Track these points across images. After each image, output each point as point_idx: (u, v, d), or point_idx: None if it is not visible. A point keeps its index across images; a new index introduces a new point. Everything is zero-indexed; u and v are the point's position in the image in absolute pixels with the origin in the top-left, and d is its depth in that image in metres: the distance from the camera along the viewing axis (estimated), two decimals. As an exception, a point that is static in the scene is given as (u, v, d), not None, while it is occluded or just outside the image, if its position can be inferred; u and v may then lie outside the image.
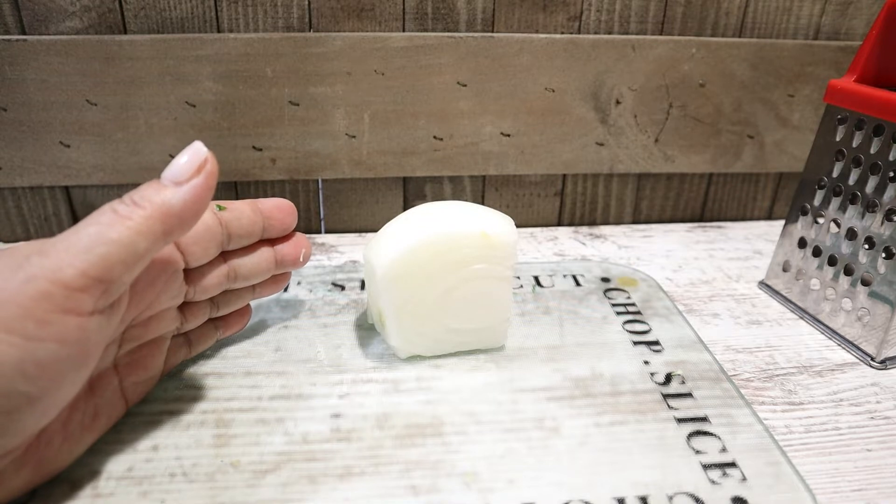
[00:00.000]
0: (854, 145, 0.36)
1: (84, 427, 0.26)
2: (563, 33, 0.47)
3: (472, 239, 0.31)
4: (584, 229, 0.53)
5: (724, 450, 0.28)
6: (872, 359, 0.35)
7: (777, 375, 0.34)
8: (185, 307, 0.30)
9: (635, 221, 0.55)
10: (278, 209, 0.32)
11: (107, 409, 0.27)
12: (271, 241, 0.32)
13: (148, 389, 0.29)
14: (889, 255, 0.34)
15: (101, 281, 0.22)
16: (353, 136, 0.47)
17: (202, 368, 0.33)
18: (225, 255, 0.31)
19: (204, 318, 0.31)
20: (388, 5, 0.45)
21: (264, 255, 0.32)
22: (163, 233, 0.23)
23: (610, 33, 0.47)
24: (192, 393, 0.31)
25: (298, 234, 0.33)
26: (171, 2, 0.42)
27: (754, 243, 0.50)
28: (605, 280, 0.42)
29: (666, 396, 0.32)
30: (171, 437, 0.28)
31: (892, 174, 0.34)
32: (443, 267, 0.31)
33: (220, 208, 0.30)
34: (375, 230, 0.51)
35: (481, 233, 0.31)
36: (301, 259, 0.33)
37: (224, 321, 0.33)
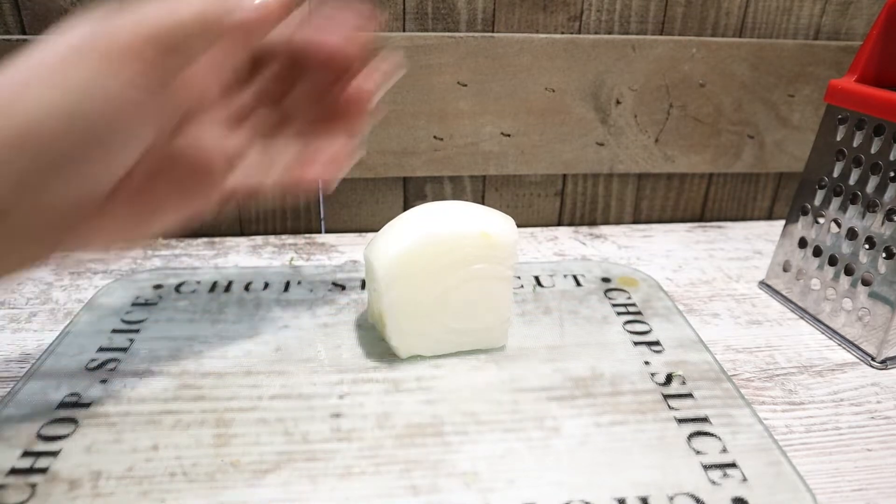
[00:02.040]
0: (854, 145, 0.36)
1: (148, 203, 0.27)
2: (563, 33, 0.47)
3: (472, 239, 0.31)
4: (585, 229, 0.53)
5: (724, 450, 0.28)
6: (873, 359, 0.35)
7: (777, 375, 0.34)
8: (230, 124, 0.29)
9: (635, 221, 0.55)
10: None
11: (181, 194, 0.27)
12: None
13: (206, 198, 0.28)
14: (889, 255, 0.34)
15: (162, 46, 0.22)
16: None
17: (202, 368, 0.33)
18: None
19: (249, 143, 0.29)
20: (388, 5, 0.45)
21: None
22: (227, 31, 0.24)
23: (610, 33, 0.47)
24: (192, 393, 0.31)
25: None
26: (171, 2, 0.42)
27: (754, 243, 0.50)
28: (606, 280, 0.42)
29: (666, 397, 0.32)
30: (171, 437, 0.28)
31: (892, 174, 0.34)
32: (443, 267, 0.31)
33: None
34: (375, 230, 0.51)
35: (481, 233, 0.31)
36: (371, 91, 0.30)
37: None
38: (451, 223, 0.31)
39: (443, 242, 0.31)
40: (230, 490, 0.26)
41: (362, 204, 0.51)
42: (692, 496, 0.26)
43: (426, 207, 0.33)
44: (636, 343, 0.36)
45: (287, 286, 0.41)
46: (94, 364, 0.33)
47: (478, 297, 0.33)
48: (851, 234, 0.37)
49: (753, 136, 0.52)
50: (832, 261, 0.38)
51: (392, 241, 0.31)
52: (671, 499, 0.26)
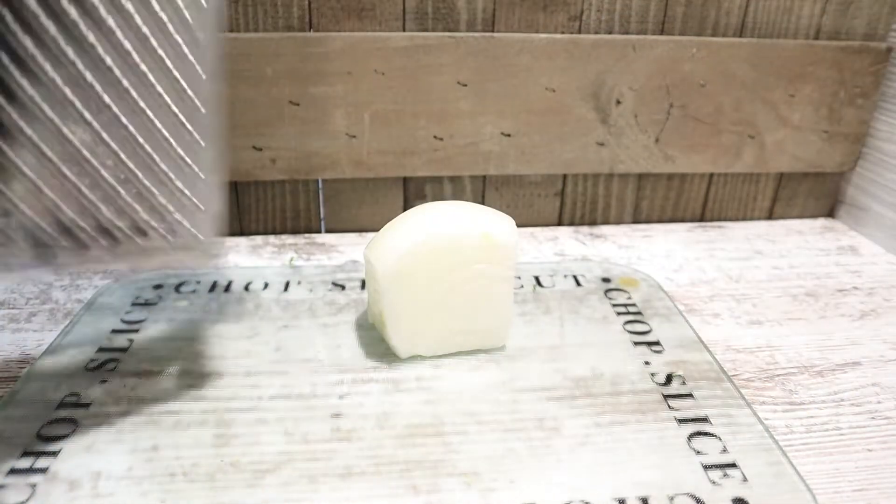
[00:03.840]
0: None
1: None
2: (563, 33, 0.47)
3: (472, 239, 0.31)
4: (585, 229, 0.53)
5: (724, 450, 0.28)
6: None
7: (778, 375, 0.34)
8: None
9: (636, 221, 0.54)
10: None
11: None
12: None
13: None
14: None
15: None
16: (354, 136, 0.47)
17: (202, 368, 0.33)
18: None
19: None
20: (388, 5, 0.45)
21: None
22: None
23: (610, 33, 0.47)
24: (192, 393, 0.31)
25: None
26: (171, 1, 0.42)
27: (754, 243, 0.50)
28: (606, 280, 0.42)
29: (666, 397, 0.31)
30: (171, 437, 0.28)
31: None
32: (443, 267, 0.31)
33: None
34: (375, 230, 0.51)
35: (482, 233, 0.31)
36: None
37: None
38: (452, 223, 0.31)
39: (443, 243, 0.31)
40: (230, 490, 0.26)
41: (362, 204, 0.51)
42: (692, 496, 0.26)
43: (426, 207, 0.33)
44: (636, 343, 0.36)
45: (287, 286, 0.40)
46: (94, 364, 0.33)
47: (478, 297, 0.33)
48: None
49: (753, 136, 0.52)
50: None
51: (392, 241, 0.31)
52: (671, 499, 0.26)
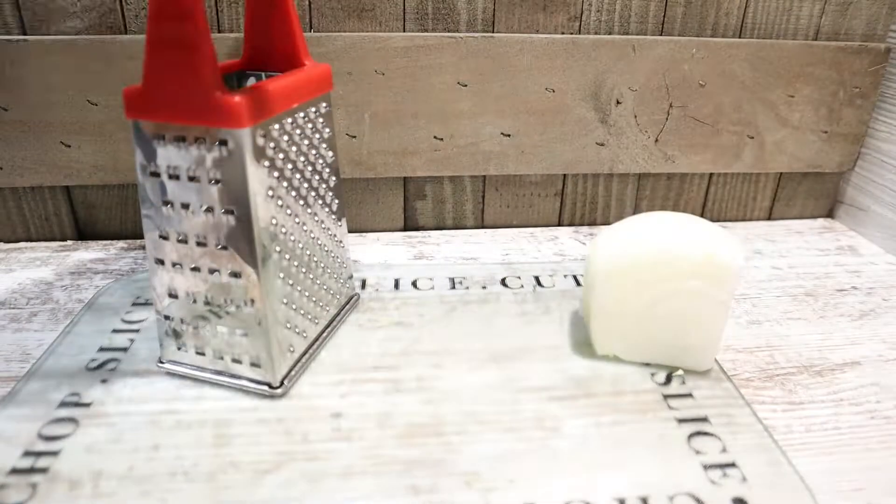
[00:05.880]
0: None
1: None
2: (563, 33, 0.47)
3: (695, 257, 0.30)
4: (585, 229, 0.53)
5: (724, 450, 0.28)
6: None
7: (777, 375, 0.34)
8: None
9: (635, 221, 0.54)
10: None
11: None
12: None
13: None
14: None
15: None
16: (354, 136, 0.47)
17: (202, 368, 0.33)
18: None
19: None
20: (388, 5, 0.45)
21: None
22: None
23: (610, 33, 0.47)
24: (192, 393, 0.31)
25: None
26: (171, 2, 0.42)
27: (754, 243, 0.50)
28: (606, 280, 0.42)
29: (666, 397, 0.32)
30: (171, 437, 0.28)
31: None
32: (659, 277, 0.31)
33: None
34: (375, 230, 0.51)
35: (706, 253, 0.30)
36: None
37: None
38: (679, 237, 0.31)
39: (665, 254, 0.31)
40: (230, 490, 0.26)
41: (362, 204, 0.51)
42: (692, 496, 0.26)
43: (661, 216, 0.33)
44: (636, 343, 0.36)
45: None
46: (95, 364, 0.33)
47: (687, 314, 0.32)
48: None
49: (753, 136, 0.52)
50: None
51: (616, 239, 0.32)
52: (671, 499, 0.26)
